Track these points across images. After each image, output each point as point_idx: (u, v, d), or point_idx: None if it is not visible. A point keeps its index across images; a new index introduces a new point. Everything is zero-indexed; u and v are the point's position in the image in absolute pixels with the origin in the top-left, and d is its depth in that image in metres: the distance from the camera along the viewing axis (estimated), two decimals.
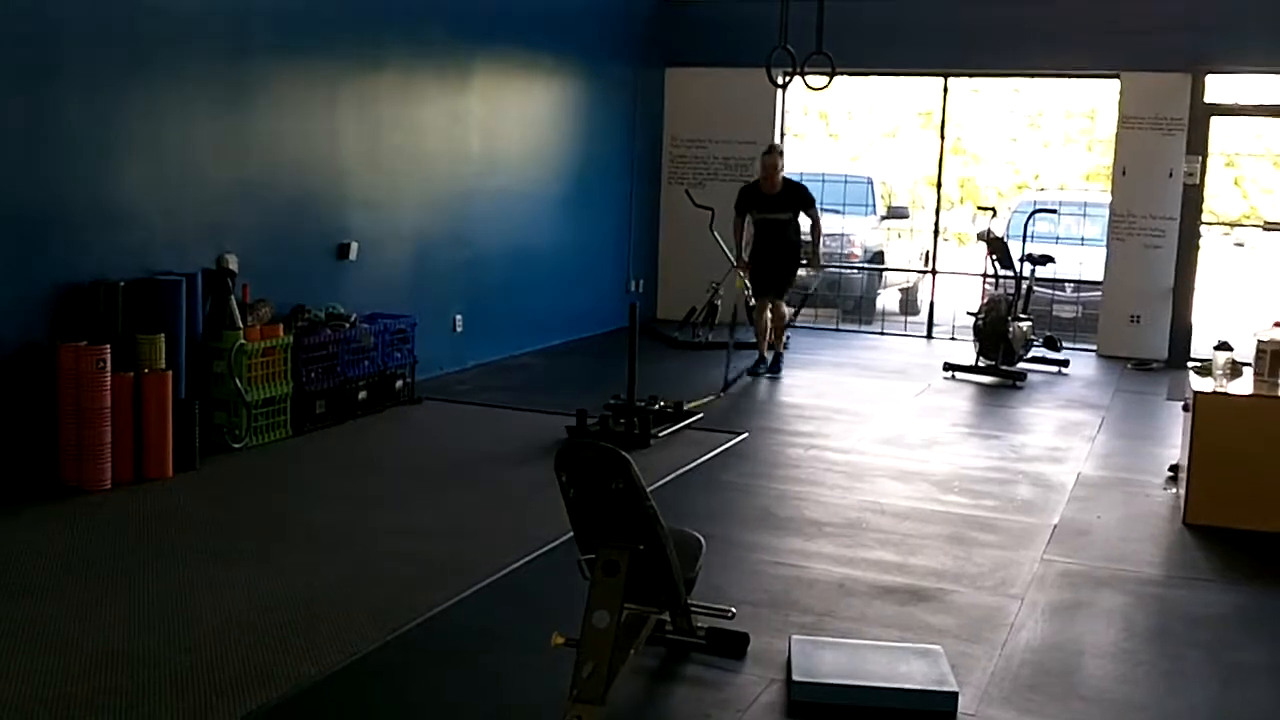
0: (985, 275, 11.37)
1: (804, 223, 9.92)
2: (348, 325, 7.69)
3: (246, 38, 7.25)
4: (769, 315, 9.91)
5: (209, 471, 6.41)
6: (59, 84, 6.14)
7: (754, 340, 10.13)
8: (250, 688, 3.93)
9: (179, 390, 6.38)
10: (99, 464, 5.98)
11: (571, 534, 3.94)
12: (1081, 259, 12.18)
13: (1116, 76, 11.07)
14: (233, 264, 6.95)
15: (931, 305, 12.47)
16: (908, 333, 12.46)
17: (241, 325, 6.80)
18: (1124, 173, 11.05)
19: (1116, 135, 11.13)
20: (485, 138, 9.69)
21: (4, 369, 5.90)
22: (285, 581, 4.92)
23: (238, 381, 6.73)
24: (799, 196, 9.76)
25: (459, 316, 9.41)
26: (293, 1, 7.58)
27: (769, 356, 9.88)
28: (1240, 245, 20.77)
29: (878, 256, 14.08)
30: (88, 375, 5.93)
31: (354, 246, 8.15)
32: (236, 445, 6.79)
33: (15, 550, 5.16)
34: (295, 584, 4.89)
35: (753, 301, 10.13)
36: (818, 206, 9.93)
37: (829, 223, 13.28)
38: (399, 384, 8.11)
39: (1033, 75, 12.63)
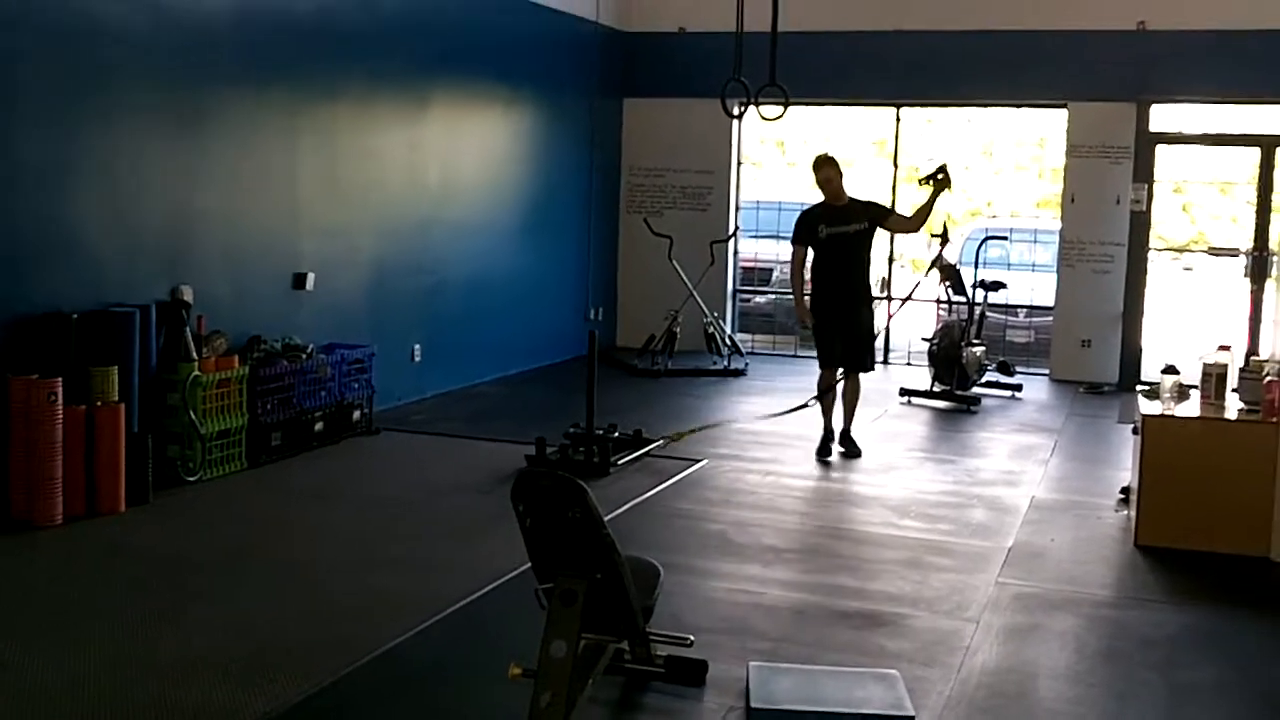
0: (939, 301, 11.48)
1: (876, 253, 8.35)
2: (304, 356, 7.65)
3: (202, 67, 7.23)
4: (843, 388, 8.01)
5: (162, 505, 6.35)
6: (11, 113, 6.09)
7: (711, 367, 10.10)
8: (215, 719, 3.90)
9: (132, 423, 6.33)
10: (50, 498, 5.91)
11: (529, 564, 3.94)
12: (1033, 285, 12.33)
13: (1064, 106, 11.27)
14: (188, 295, 6.90)
15: (887, 331, 12.56)
16: None
17: (196, 357, 6.76)
18: (1073, 200, 11.23)
19: (1065, 164, 11.32)
20: (444, 167, 9.71)
21: None
22: (241, 616, 4.88)
23: (192, 414, 6.68)
24: (874, 206, 8.09)
25: (417, 346, 9.40)
26: (249, 31, 7.57)
27: (836, 432, 8.04)
28: (1189, 270, 21.07)
29: None
30: (39, 408, 5.87)
31: (311, 277, 8.13)
32: (190, 478, 6.73)
33: None
34: (251, 618, 4.85)
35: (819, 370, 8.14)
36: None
37: (787, 250, 13.32)
38: (356, 415, 8.08)
39: (983, 105, 12.80)
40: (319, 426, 7.71)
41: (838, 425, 8.12)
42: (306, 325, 8.05)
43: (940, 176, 7.83)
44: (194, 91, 7.20)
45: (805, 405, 8.73)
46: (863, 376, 8.09)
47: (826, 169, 8.00)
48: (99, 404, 6.14)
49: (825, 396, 7.99)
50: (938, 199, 7.92)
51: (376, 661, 4.46)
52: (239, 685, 4.20)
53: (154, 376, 6.61)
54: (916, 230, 8.18)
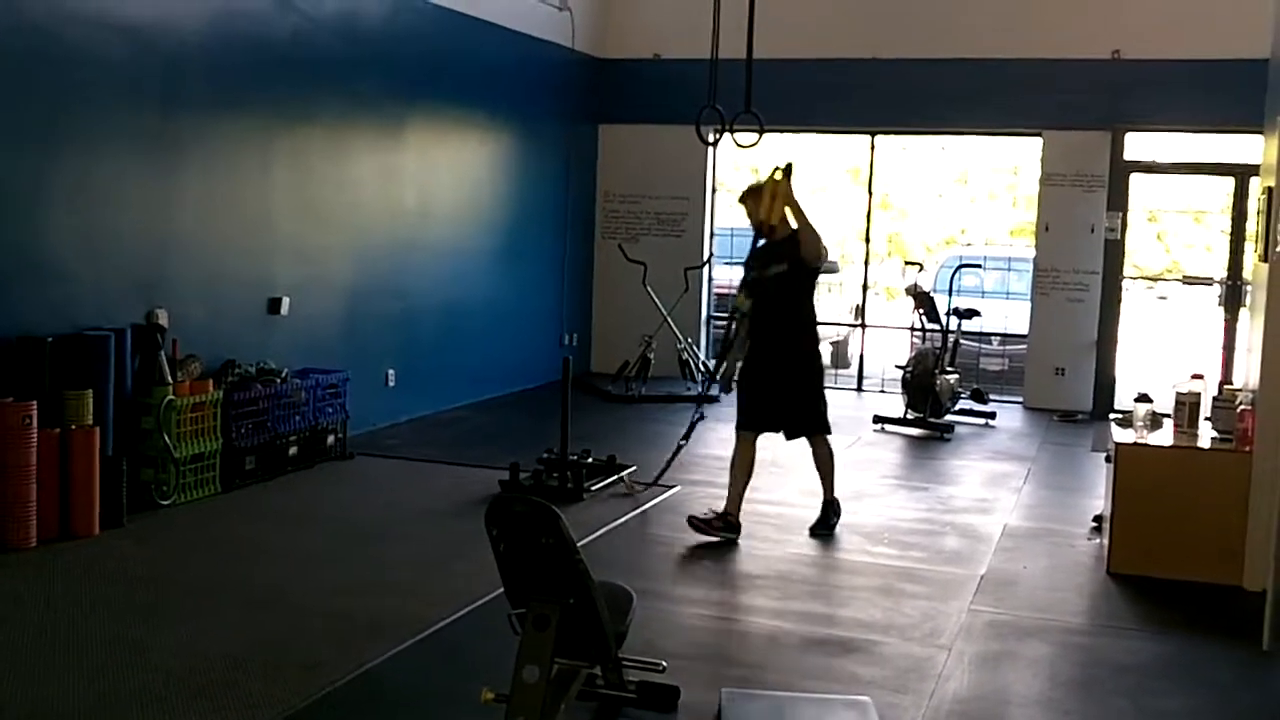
0: (913, 329, 11.55)
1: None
2: (279, 380, 7.64)
3: (177, 91, 7.24)
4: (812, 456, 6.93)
5: (136, 529, 6.32)
6: None
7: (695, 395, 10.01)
8: None
9: (107, 446, 6.30)
10: (24, 522, 5.88)
11: (502, 589, 3.94)
12: (1007, 313, 12.42)
13: (1038, 134, 11.38)
14: (162, 319, 6.90)
15: (861, 359, 12.63)
16: (838, 385, 12.56)
17: (171, 381, 6.75)
18: (1047, 228, 11.33)
19: (1039, 192, 11.43)
20: (419, 193, 9.73)
21: None
22: (215, 639, 4.86)
23: (166, 437, 6.66)
24: (794, 239, 6.62)
25: (391, 371, 9.38)
26: (224, 54, 7.58)
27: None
28: (1163, 299, 21.27)
29: None
30: (13, 432, 5.84)
31: (285, 301, 8.12)
32: (164, 502, 6.70)
33: None
34: (225, 642, 4.83)
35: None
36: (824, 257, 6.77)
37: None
38: (331, 439, 8.06)
39: (958, 133, 12.92)
40: (293, 451, 7.68)
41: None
42: (281, 349, 8.03)
43: (779, 178, 6.61)
44: (169, 116, 7.20)
45: (679, 448, 7.78)
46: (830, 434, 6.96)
47: (745, 202, 6.79)
48: (73, 427, 6.11)
49: (735, 466, 6.76)
50: (788, 203, 6.60)
51: (349, 685, 4.45)
52: (212, 708, 4.17)
53: (128, 400, 6.59)
54: (815, 243, 6.57)
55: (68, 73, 6.51)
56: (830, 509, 6.89)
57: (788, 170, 6.60)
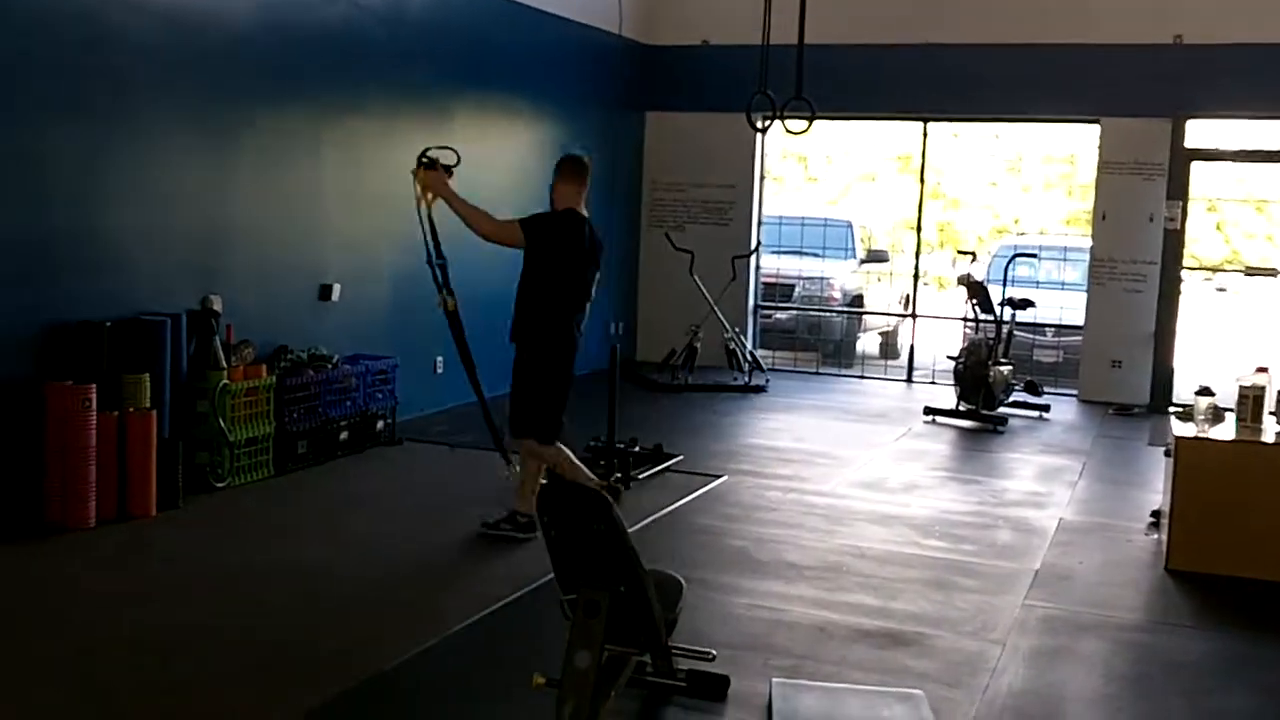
0: (966, 319, 11.43)
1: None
2: (330, 366, 7.69)
3: (231, 81, 7.29)
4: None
5: (192, 510, 6.38)
6: (47, 127, 6.16)
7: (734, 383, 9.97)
8: None
9: (163, 429, 6.37)
10: (84, 503, 5.96)
11: (551, 575, 3.94)
12: (1062, 303, 12.27)
13: (1096, 122, 11.20)
14: (217, 305, 6.95)
15: (912, 349, 12.53)
16: (888, 376, 12.51)
17: (225, 366, 6.81)
18: (1104, 217, 11.15)
19: (1096, 180, 11.25)
20: (466, 180, 9.66)
21: None
22: (268, 620, 4.91)
23: (221, 421, 6.72)
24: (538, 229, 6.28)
25: (440, 358, 9.39)
26: (277, 46, 7.62)
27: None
28: (1222, 290, 20.94)
29: (857, 300, 14.15)
30: (74, 414, 5.92)
31: (336, 288, 8.16)
32: (219, 485, 6.76)
33: (4, 587, 5.15)
34: (278, 623, 4.89)
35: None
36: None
37: (809, 266, 13.41)
38: (380, 425, 8.10)
39: (1013, 120, 12.76)
40: (344, 436, 7.73)
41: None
42: (332, 336, 8.08)
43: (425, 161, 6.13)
44: (224, 106, 7.26)
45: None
46: (547, 444, 6.28)
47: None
48: (131, 410, 6.18)
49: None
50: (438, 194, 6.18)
51: (398, 669, 4.46)
52: (258, 691, 4.22)
53: (184, 384, 6.65)
54: (479, 229, 6.29)
55: (125, 64, 6.57)
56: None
57: (429, 163, 6.12)
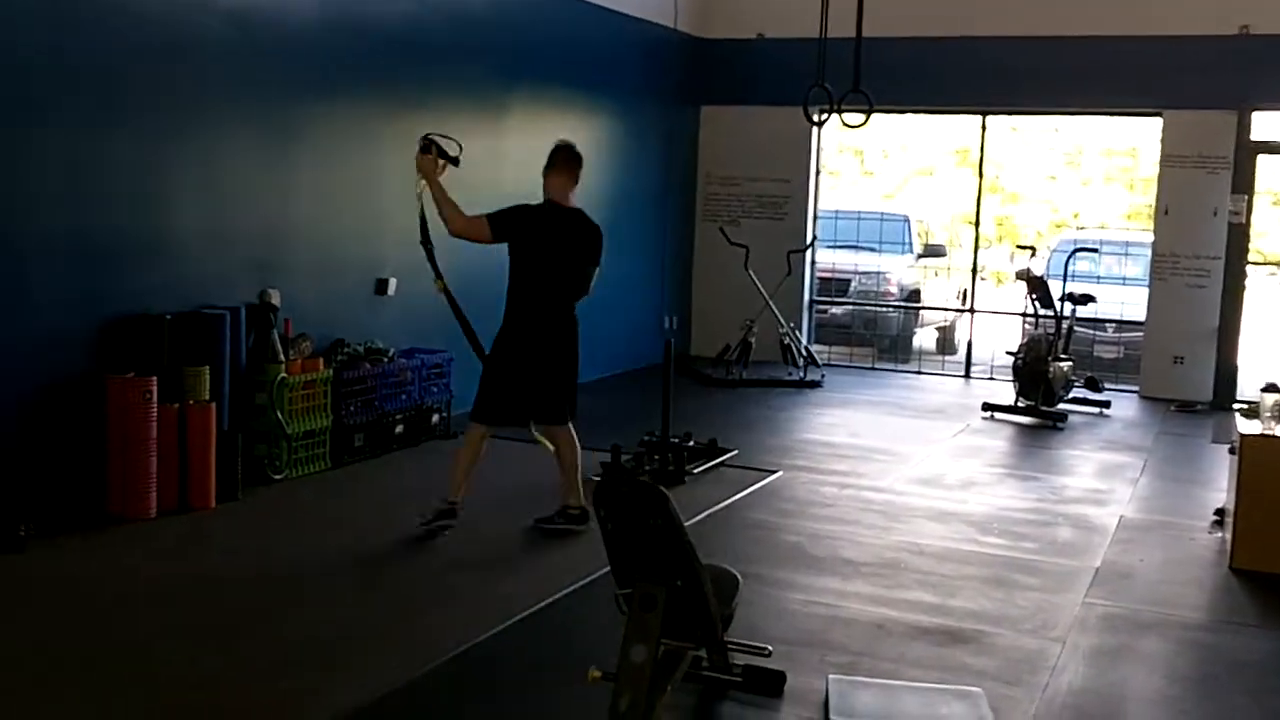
0: (1025, 315, 11.30)
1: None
2: (386, 360, 7.74)
3: (291, 78, 7.36)
4: (551, 445, 6.38)
5: (251, 502, 6.45)
6: (111, 124, 6.25)
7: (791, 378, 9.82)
8: (293, 716, 3.95)
9: (222, 422, 6.44)
10: (144, 493, 6.04)
11: (608, 568, 3.93)
12: (1123, 299, 12.09)
13: (1159, 115, 11.02)
14: (275, 299, 7.01)
15: (969, 344, 12.41)
16: (945, 372, 12.40)
17: (283, 359, 6.87)
18: (1166, 212, 10.96)
19: (1159, 174, 11.07)
20: (521, 174, 9.69)
21: (54, 399, 5.99)
22: (322, 611, 4.95)
23: (279, 414, 6.79)
24: (597, 238, 6.42)
25: None
26: (337, 43, 7.68)
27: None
28: None
29: (914, 295, 14.05)
30: (135, 406, 6.00)
31: (392, 282, 8.21)
32: (277, 477, 6.83)
33: (67, 578, 5.23)
34: (332, 614, 4.93)
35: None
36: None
37: (866, 260, 13.32)
38: (435, 418, 8.15)
39: (1073, 114, 12.57)
40: (399, 429, 7.78)
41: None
42: (388, 330, 8.13)
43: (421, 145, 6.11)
44: (283, 102, 7.33)
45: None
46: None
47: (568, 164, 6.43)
48: (191, 402, 6.26)
49: (464, 452, 6.31)
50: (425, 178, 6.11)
51: (454, 660, 4.49)
52: (320, 679, 4.25)
53: (243, 377, 6.72)
54: (449, 225, 6.24)
55: (190, 63, 6.65)
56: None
57: (424, 146, 6.08)
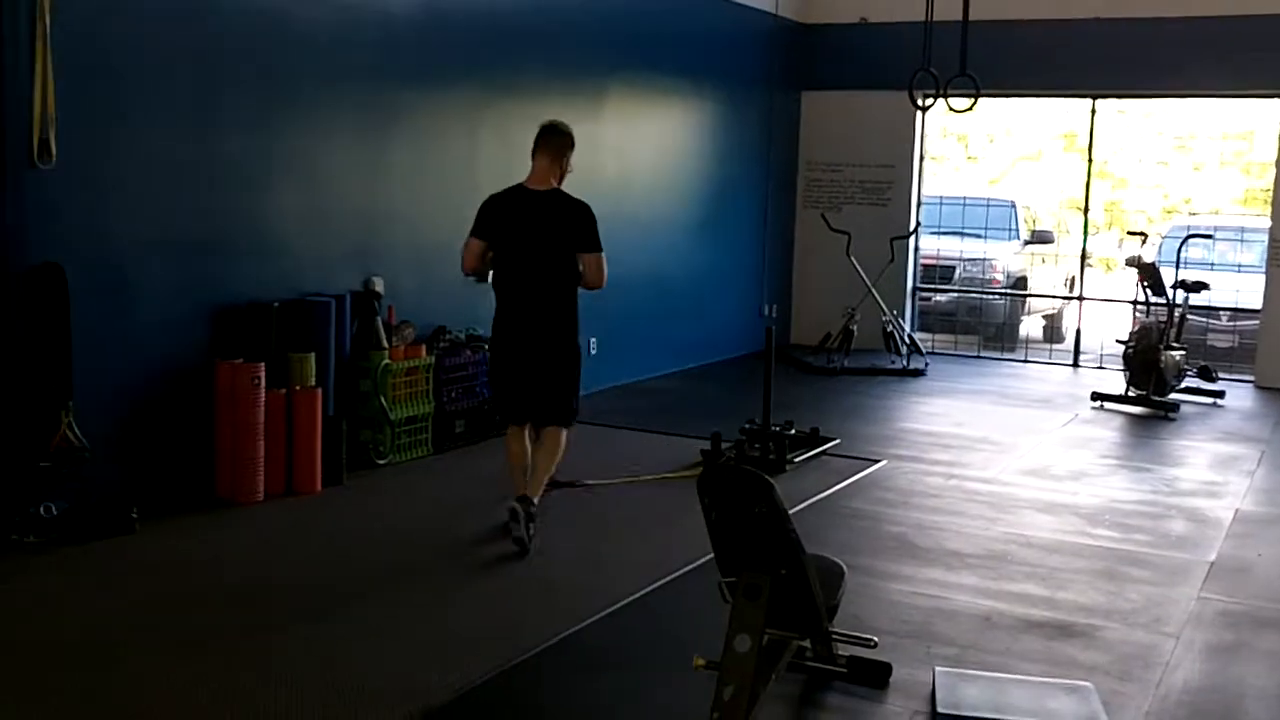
0: (1135, 302, 11.00)
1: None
2: (486, 347, 7.78)
3: (389, 66, 7.43)
4: (533, 446, 5.91)
5: (355, 487, 6.55)
6: (218, 116, 6.38)
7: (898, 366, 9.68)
8: (400, 696, 4.00)
9: (328, 407, 6.55)
10: (253, 477, 6.16)
11: (707, 557, 3.91)
12: (1238, 286, 11.71)
13: (1277, 96, 10.62)
14: (379, 286, 7.11)
15: (1078, 333, 12.13)
16: (1052, 361, 12.13)
17: (387, 345, 6.96)
18: None
19: (1277, 157, 10.68)
20: (619, 161, 9.76)
21: (166, 385, 6.14)
22: (425, 596, 5.01)
23: (383, 400, 6.88)
24: (580, 219, 5.79)
25: (593, 339, 9.44)
26: (435, 30, 7.75)
27: (522, 510, 5.54)
28: None
29: (1020, 282, 13.78)
30: (243, 392, 6.12)
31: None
32: (381, 462, 6.93)
33: (177, 561, 5.36)
34: (434, 599, 4.98)
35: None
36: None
37: (970, 247, 13.08)
38: None
39: (1186, 96, 12.19)
40: (499, 416, 7.83)
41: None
42: (488, 317, 8.14)
43: None
44: (384, 93, 7.41)
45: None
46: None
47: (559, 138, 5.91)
48: (298, 388, 6.37)
49: (511, 454, 5.95)
50: None
51: (556, 647, 4.50)
52: (420, 665, 4.28)
53: (347, 363, 6.83)
54: (464, 270, 6.07)
55: (291, 53, 6.76)
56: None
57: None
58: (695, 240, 10.80)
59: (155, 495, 5.95)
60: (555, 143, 5.79)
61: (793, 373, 10.61)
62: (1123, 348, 9.91)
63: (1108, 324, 12.13)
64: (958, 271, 13.11)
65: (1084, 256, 12.29)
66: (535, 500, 5.64)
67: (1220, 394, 10.01)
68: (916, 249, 12.35)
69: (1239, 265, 12.38)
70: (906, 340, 11.30)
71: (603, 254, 5.77)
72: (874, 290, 11.24)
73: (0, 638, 4.43)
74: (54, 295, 5.51)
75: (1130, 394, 9.59)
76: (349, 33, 7.13)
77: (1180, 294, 10.00)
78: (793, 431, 7.65)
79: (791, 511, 5.96)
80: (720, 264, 11.29)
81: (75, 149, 5.60)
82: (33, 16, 5.37)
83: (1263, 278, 10.88)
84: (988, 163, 22.17)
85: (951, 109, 8.24)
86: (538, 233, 5.71)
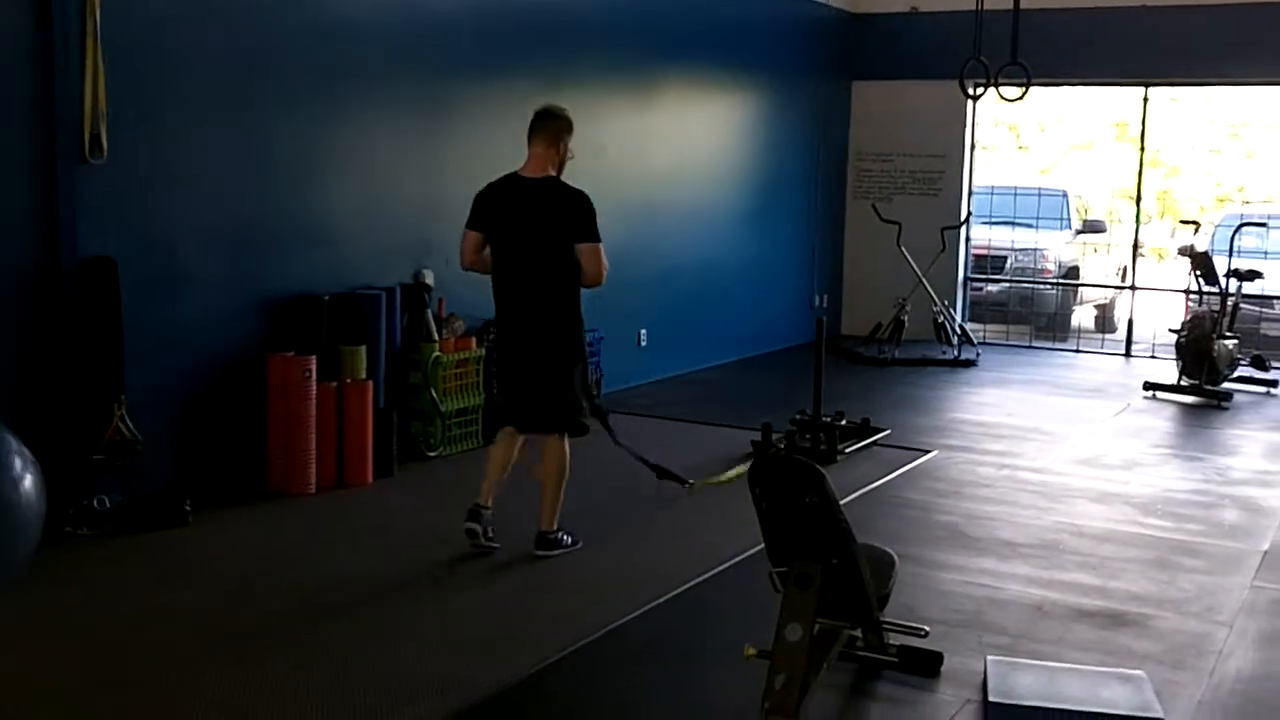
0: (1188, 291, 10.87)
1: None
2: None
3: (442, 59, 7.49)
4: (521, 455, 5.69)
5: (406, 479, 6.61)
6: (270, 109, 6.46)
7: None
8: (441, 693, 4.04)
9: (378, 400, 6.61)
10: (304, 469, 6.22)
11: (759, 547, 3.92)
12: None
13: None
14: (429, 279, 7.17)
15: (1130, 322, 12.00)
16: (1104, 350, 12.02)
17: (437, 338, 7.02)
18: None
19: None
20: (671, 152, 9.77)
21: (219, 378, 6.23)
22: (477, 588, 5.07)
23: (433, 392, 6.94)
24: (574, 208, 5.37)
25: (643, 331, 9.50)
26: (486, 22, 7.79)
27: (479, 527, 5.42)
28: None
29: (1072, 272, 13.65)
30: (295, 384, 6.19)
31: None
32: (431, 454, 6.99)
33: (230, 553, 5.44)
34: (487, 591, 5.04)
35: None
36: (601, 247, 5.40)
37: (1022, 237, 12.98)
38: None
39: (1240, 84, 12.01)
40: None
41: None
42: None
43: None
44: (434, 85, 7.47)
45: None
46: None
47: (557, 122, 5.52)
48: (348, 381, 6.43)
49: (493, 460, 5.68)
50: None
51: (606, 637, 4.53)
52: (472, 656, 4.33)
53: (398, 356, 6.89)
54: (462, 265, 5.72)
55: (344, 47, 6.83)
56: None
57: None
58: (746, 231, 10.80)
59: (208, 487, 6.04)
60: (550, 127, 5.42)
61: (843, 363, 10.58)
62: (1175, 337, 9.81)
63: (1160, 313, 11.99)
64: (1009, 261, 13.02)
65: (1136, 246, 12.17)
66: (551, 531, 5.43)
67: (1273, 383, 9.88)
68: (968, 239, 12.28)
69: None
70: (958, 331, 11.25)
71: (600, 245, 5.36)
72: (925, 280, 11.18)
73: (55, 629, 4.51)
74: (106, 289, 5.59)
75: (1183, 383, 9.50)
76: (403, 26, 7.19)
77: (1233, 283, 9.88)
78: (843, 422, 7.64)
79: (843, 501, 5.98)
80: (771, 255, 11.28)
81: (126, 144, 5.66)
82: (82, 12, 5.43)
83: None
84: (1039, 152, 21.95)
85: (1002, 98, 8.19)
86: (530, 222, 5.35)
